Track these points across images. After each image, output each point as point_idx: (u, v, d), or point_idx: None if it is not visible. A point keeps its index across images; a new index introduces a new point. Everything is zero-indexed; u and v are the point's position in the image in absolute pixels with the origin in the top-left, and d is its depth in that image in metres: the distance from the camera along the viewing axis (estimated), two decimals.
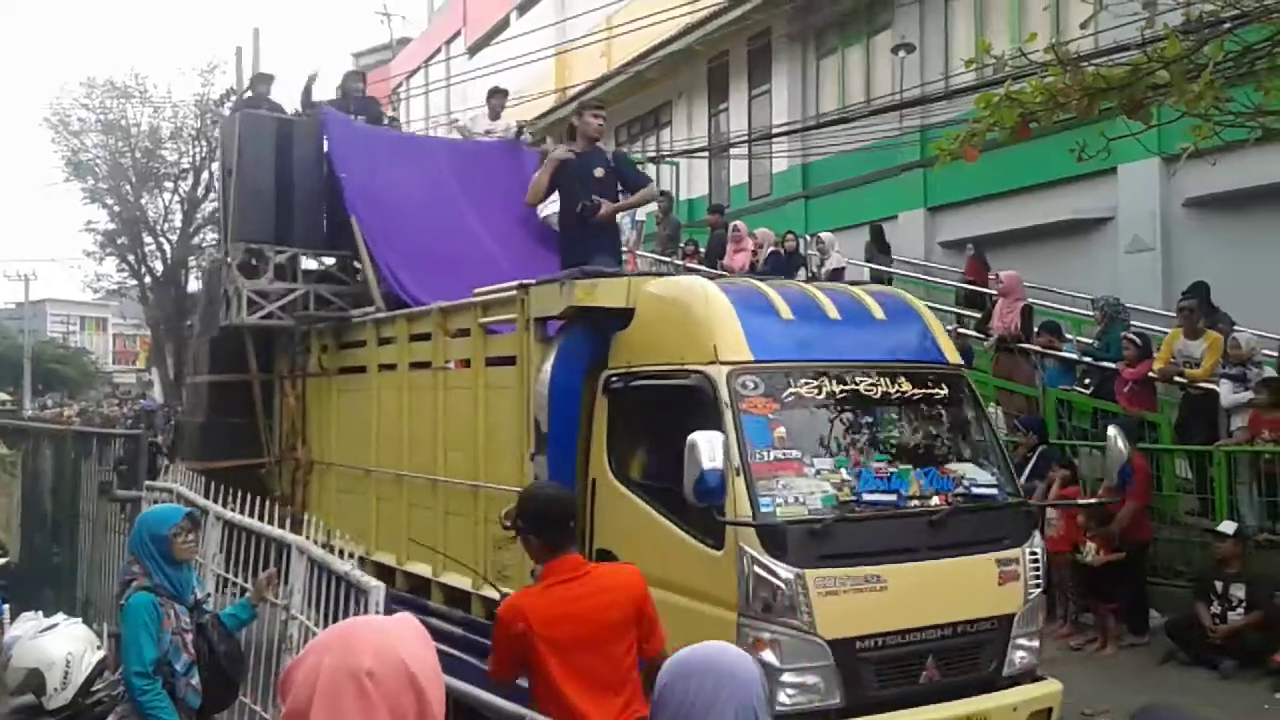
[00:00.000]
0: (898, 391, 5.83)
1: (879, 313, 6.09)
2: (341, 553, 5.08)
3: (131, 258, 34.24)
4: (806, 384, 5.64)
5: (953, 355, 6.23)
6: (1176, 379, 9.95)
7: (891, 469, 5.60)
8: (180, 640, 4.39)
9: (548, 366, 6.26)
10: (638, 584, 4.12)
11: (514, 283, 6.70)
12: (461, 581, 6.99)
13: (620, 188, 7.65)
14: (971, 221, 16.69)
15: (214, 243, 35.11)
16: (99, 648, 4.69)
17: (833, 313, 5.96)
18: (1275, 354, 9.90)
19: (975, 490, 5.74)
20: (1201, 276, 11.25)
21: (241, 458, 9.44)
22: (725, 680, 2.11)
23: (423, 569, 7.45)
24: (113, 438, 9.99)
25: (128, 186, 32.47)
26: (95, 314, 65.29)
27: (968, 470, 5.82)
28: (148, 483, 8.53)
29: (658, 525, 5.69)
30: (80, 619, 5.06)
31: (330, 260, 9.80)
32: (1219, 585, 8.52)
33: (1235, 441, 9.25)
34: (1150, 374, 10.08)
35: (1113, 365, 10.45)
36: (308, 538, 5.46)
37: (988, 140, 5.87)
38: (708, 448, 5.01)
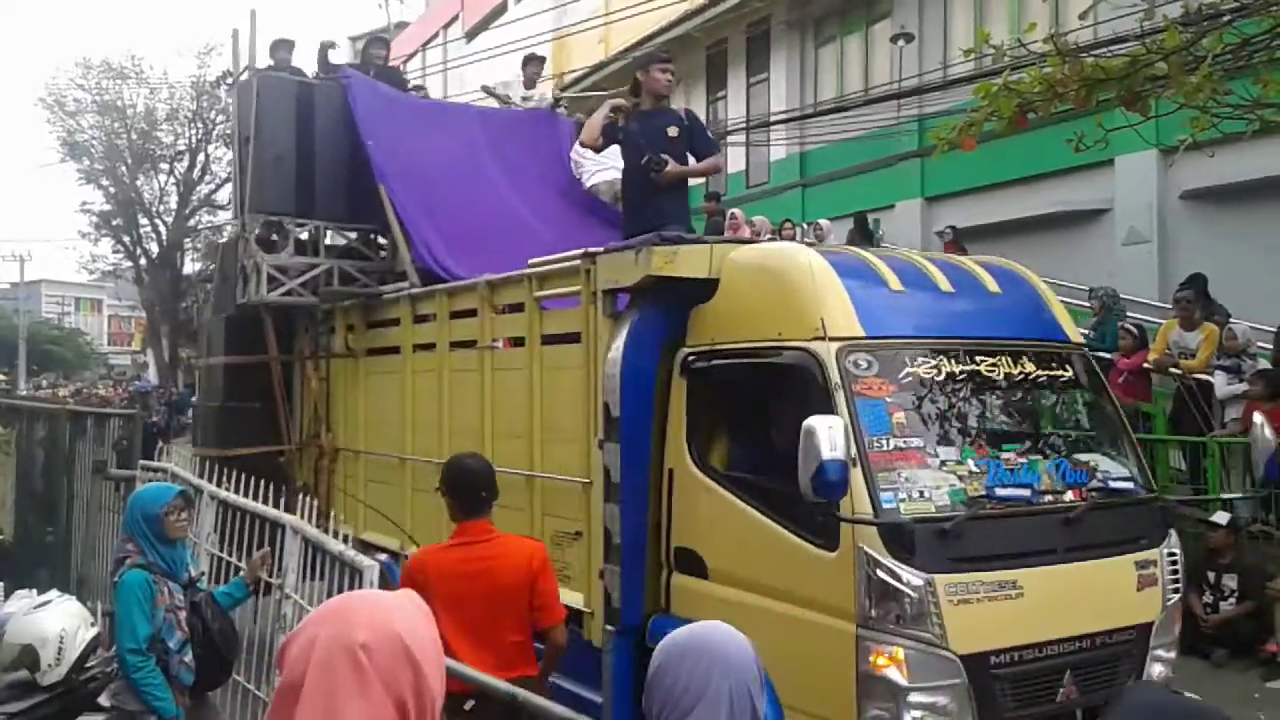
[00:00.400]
0: (1021, 373, 4.97)
1: (992, 285, 5.22)
2: (336, 533, 4.95)
3: (127, 239, 33.33)
4: (924, 363, 4.77)
5: (1073, 332, 5.37)
6: (1171, 370, 9.55)
7: (1021, 460, 4.72)
8: (174, 618, 4.29)
9: (619, 344, 5.35)
10: (538, 557, 4.38)
11: (577, 251, 5.77)
12: None
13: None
14: (968, 211, 16.04)
15: (209, 226, 34.17)
16: (93, 625, 4.48)
17: (944, 284, 5.08)
18: (1270, 346, 9.29)
19: (1111, 484, 4.88)
20: (1198, 269, 10.67)
21: (260, 444, 8.47)
22: (719, 661, 1.96)
23: None
24: (108, 417, 9.42)
25: (123, 168, 31.47)
26: (90, 295, 63.38)
27: (1100, 461, 4.97)
28: (142, 462, 8.09)
29: (754, 523, 4.82)
30: (74, 597, 4.77)
31: (353, 235, 8.75)
32: (1211, 575, 8.24)
33: (1229, 433, 8.83)
34: (1145, 364, 9.70)
35: (1108, 356, 9.89)
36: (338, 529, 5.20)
37: (985, 130, 5.70)
38: (827, 435, 4.13)
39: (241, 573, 4.98)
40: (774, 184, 20.49)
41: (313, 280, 8.39)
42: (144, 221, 32.81)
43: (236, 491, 5.85)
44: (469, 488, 4.42)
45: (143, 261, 33.55)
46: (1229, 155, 7.71)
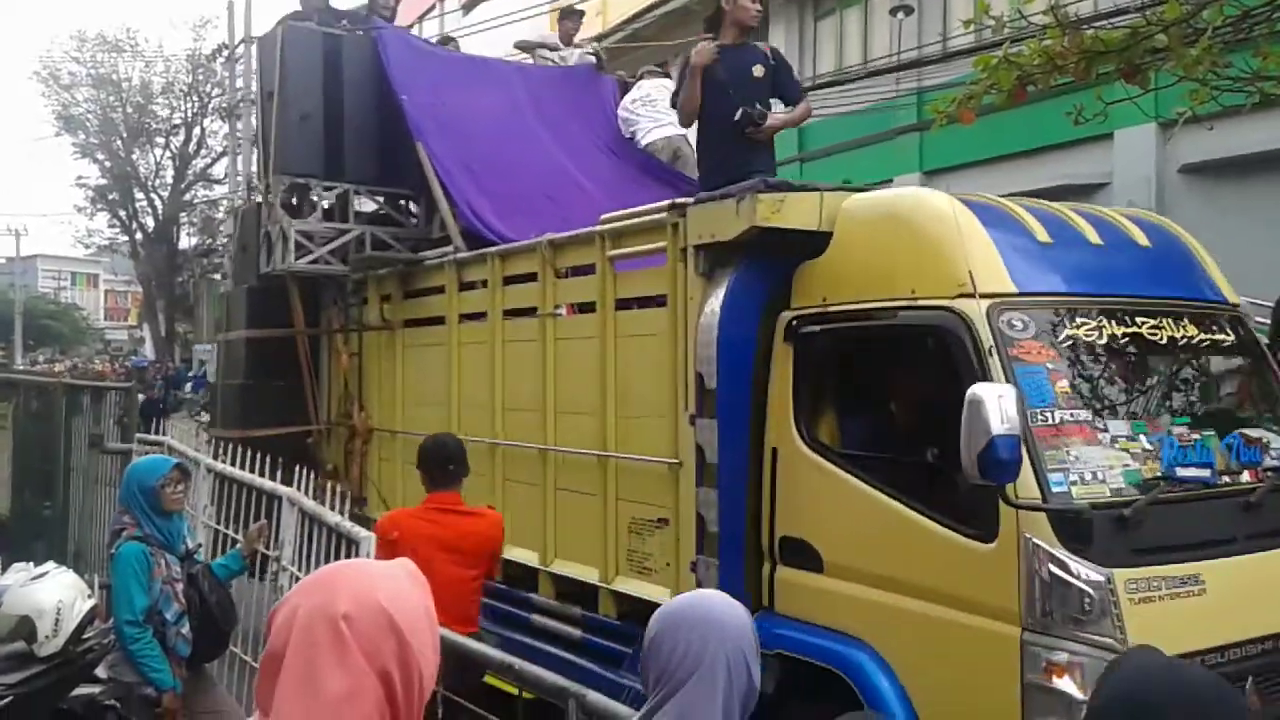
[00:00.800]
0: (1183, 336, 4.17)
1: (1143, 239, 4.43)
2: (334, 505, 4.81)
3: (123, 213, 32.39)
4: (1084, 324, 3.98)
5: (1230, 293, 4.57)
6: None
7: (1194, 436, 3.94)
8: (171, 590, 4.20)
9: (714, 307, 4.53)
10: (496, 530, 4.72)
11: (661, 203, 4.91)
12: (582, 572, 5.30)
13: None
14: (966, 185, 15.23)
15: (205, 200, 33.01)
16: (90, 597, 4.25)
17: (1093, 236, 4.29)
18: (1268, 321, 8.56)
19: None
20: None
21: (286, 424, 7.55)
22: (715, 630, 1.86)
23: (524, 555, 5.73)
24: (104, 391, 8.91)
25: (119, 142, 30.36)
26: (87, 270, 61.40)
27: (1271, 438, 4.19)
28: (139, 436, 7.81)
29: (882, 509, 4.04)
30: (70, 569, 4.48)
31: (381, 199, 7.83)
32: None
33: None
34: None
35: None
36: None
37: (984, 104, 5.55)
38: (997, 406, 3.36)
39: (238, 545, 4.81)
40: None
41: (341, 248, 7.48)
42: (140, 196, 32.00)
43: (263, 476, 5.44)
44: (440, 461, 4.68)
45: (139, 236, 32.73)
46: (1228, 129, 7.15)
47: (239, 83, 29.34)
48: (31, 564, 4.31)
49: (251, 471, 5.84)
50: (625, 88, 8.21)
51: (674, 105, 5.89)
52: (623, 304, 5.27)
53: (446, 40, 8.23)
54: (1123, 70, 5.22)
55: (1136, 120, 7.59)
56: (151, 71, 30.59)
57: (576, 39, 8.78)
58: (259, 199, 8.07)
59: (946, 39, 15.33)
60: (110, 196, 32.10)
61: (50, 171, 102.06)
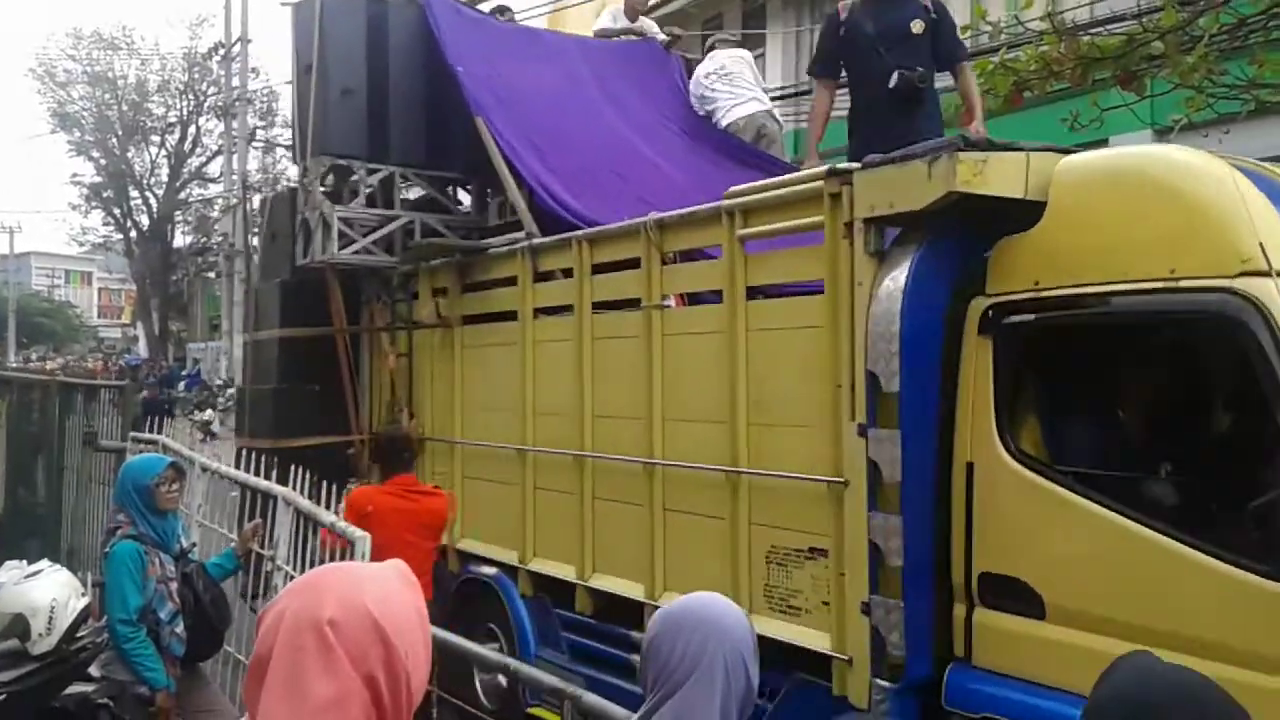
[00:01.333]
0: None
1: None
2: (327, 505, 4.59)
3: (117, 211, 31.06)
4: None
5: None
6: None
7: None
8: (165, 589, 4.05)
9: (894, 294, 3.51)
10: (444, 511, 5.02)
11: (818, 169, 3.87)
12: None
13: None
14: None
15: (200, 199, 31.58)
16: (83, 595, 3.98)
17: None
18: None
19: None
20: None
21: (324, 433, 6.42)
22: (714, 632, 1.77)
23: (622, 587, 4.69)
24: (98, 389, 8.45)
25: (114, 139, 28.95)
26: (80, 268, 58.92)
27: None
28: (133, 434, 7.25)
29: (1140, 542, 3.05)
30: (64, 567, 4.28)
31: (427, 183, 6.70)
32: None
33: None
34: None
35: None
36: None
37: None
38: None
39: (232, 544, 4.66)
40: None
41: (384, 238, 6.36)
42: (134, 194, 30.76)
43: (304, 495, 4.84)
44: (398, 450, 5.00)
45: (133, 234, 31.46)
46: (1223, 136, 6.49)
47: (235, 81, 27.89)
48: (25, 562, 4.20)
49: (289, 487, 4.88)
50: (689, 66, 7.14)
51: (812, 72, 4.88)
52: (758, 291, 4.23)
53: (501, 10, 7.05)
54: (1119, 77, 5.11)
55: (1132, 127, 6.91)
56: (147, 69, 29.40)
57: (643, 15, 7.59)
58: (288, 185, 6.94)
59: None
60: (105, 194, 30.75)
61: (45, 169, 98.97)
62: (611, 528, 4.80)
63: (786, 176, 4.07)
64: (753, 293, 4.22)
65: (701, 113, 6.76)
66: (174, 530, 4.19)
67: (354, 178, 6.46)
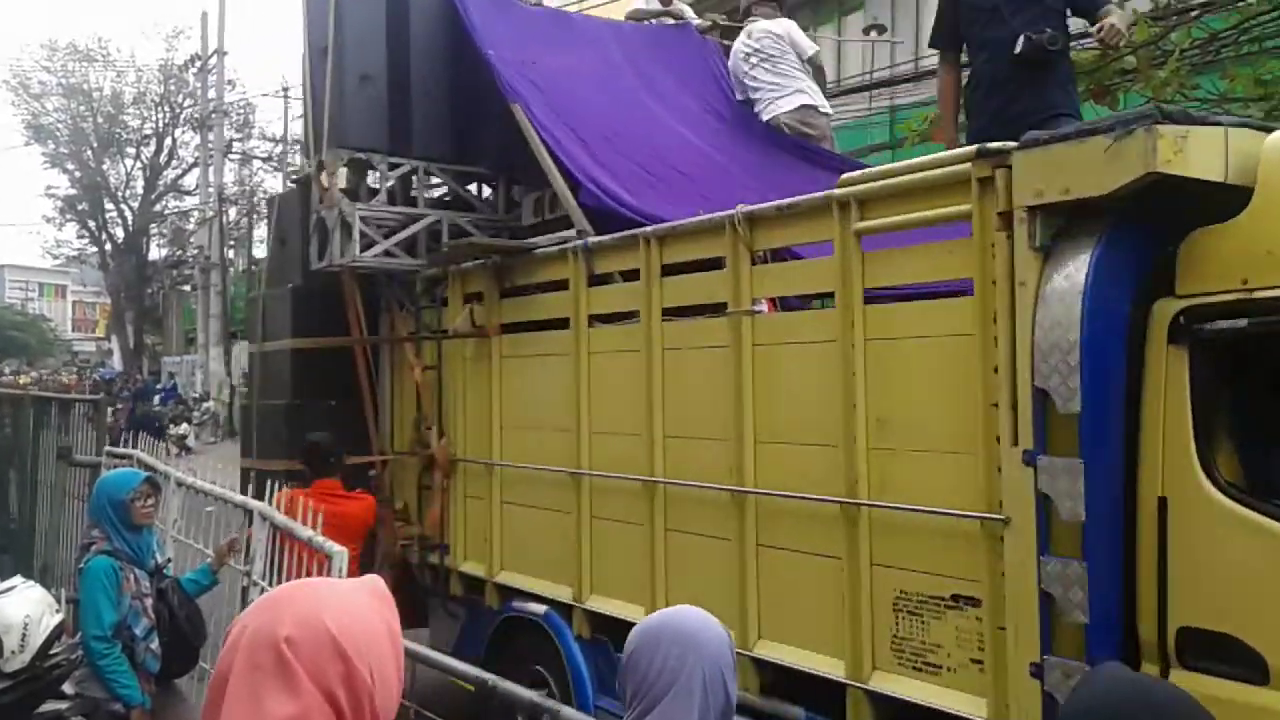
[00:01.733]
0: None
1: None
2: (304, 521, 4.19)
3: (92, 224, 29.88)
4: None
5: None
6: None
7: None
8: (140, 605, 3.91)
9: (1071, 296, 2.85)
10: (370, 513, 5.20)
11: (965, 148, 3.18)
12: (810, 661, 3.57)
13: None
14: None
15: (176, 211, 30.37)
16: (57, 611, 3.68)
17: None
18: None
19: None
20: None
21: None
22: (692, 648, 1.72)
23: None
24: (72, 404, 8.14)
25: (89, 151, 27.73)
26: (55, 280, 56.75)
27: None
28: (108, 449, 6.94)
29: None
30: (38, 583, 3.97)
31: (450, 179, 5.91)
32: None
33: None
34: None
35: None
36: None
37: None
38: None
39: (208, 559, 4.51)
40: None
41: (405, 240, 5.58)
42: (109, 206, 29.68)
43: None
44: (324, 456, 5.11)
45: (108, 247, 30.21)
46: None
47: (211, 94, 26.83)
48: None
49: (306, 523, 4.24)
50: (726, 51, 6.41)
51: (935, 43, 4.21)
52: (878, 295, 3.54)
53: None
54: (1092, 91, 5.04)
55: None
56: (123, 81, 28.15)
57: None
58: (295, 182, 6.15)
59: (919, 58, 14.34)
60: (80, 207, 29.53)
61: (19, 181, 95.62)
62: (690, 564, 4.07)
63: (917, 160, 3.37)
64: (878, 295, 3.52)
65: (740, 98, 6.04)
66: (149, 546, 4.06)
67: (372, 173, 5.67)
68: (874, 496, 3.39)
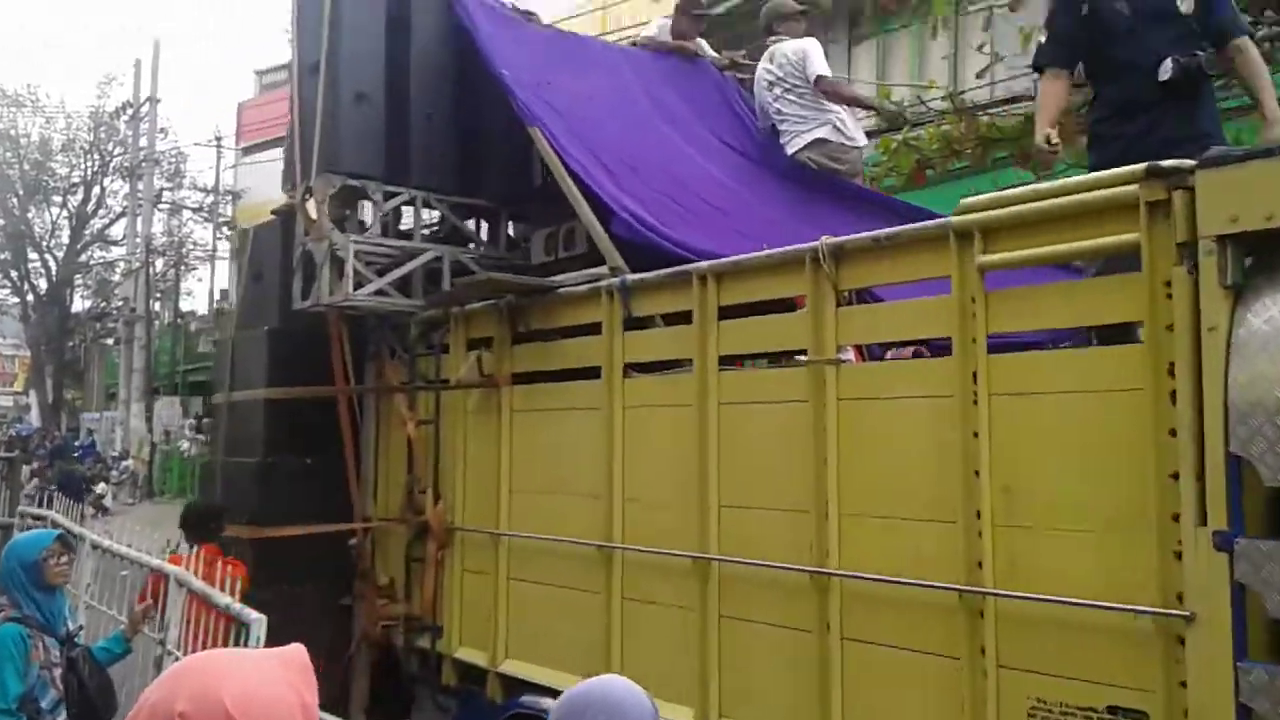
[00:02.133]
0: None
1: None
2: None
3: (14, 274, 28.12)
4: None
5: None
6: None
7: None
8: (48, 675, 3.66)
9: (1271, 340, 2.38)
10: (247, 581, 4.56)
11: (1128, 168, 2.67)
12: None
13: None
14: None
15: (101, 261, 28.89)
16: None
17: None
18: None
19: None
20: None
21: (319, 520, 4.88)
22: (617, 716, 1.62)
23: None
24: None
25: (14, 199, 26.05)
26: None
27: None
28: (21, 508, 6.80)
29: None
30: None
31: (447, 211, 5.28)
32: None
33: None
34: None
35: None
36: None
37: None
38: None
39: (121, 626, 4.25)
40: None
41: (403, 279, 4.92)
42: (33, 256, 27.80)
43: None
44: (205, 520, 4.93)
45: (30, 298, 28.22)
46: None
47: (143, 141, 25.78)
48: None
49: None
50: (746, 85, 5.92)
51: (1040, 63, 3.78)
52: (1002, 343, 3.00)
53: (527, 15, 5.72)
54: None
55: None
56: (52, 128, 26.75)
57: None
58: (272, 212, 5.44)
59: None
60: (2, 256, 27.73)
61: None
62: (751, 658, 3.43)
63: (1059, 183, 2.86)
64: (1003, 343, 2.99)
65: (764, 126, 5.55)
66: (61, 611, 3.81)
67: (364, 203, 5.01)
68: (1001, 585, 2.82)
